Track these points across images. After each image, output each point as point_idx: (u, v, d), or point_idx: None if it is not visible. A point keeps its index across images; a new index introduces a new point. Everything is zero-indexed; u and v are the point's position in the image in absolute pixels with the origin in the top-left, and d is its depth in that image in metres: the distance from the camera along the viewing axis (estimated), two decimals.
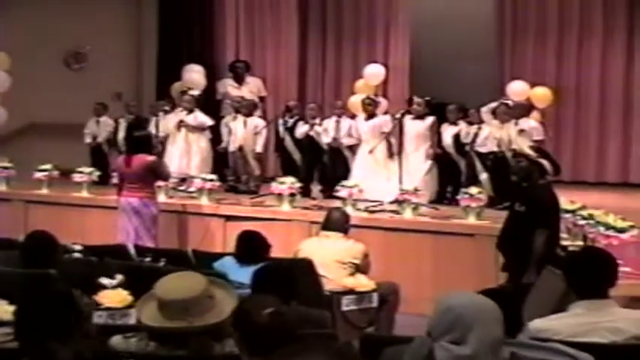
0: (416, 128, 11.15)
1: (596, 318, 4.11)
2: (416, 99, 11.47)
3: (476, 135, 10.97)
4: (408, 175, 10.45)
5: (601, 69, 14.26)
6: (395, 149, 11.06)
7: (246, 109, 12.15)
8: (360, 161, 11.38)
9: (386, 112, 12.40)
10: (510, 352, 3.19)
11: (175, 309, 3.89)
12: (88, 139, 13.11)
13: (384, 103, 12.74)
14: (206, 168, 11.88)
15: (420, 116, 11.22)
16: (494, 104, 11.26)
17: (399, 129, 11.09)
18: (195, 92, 12.88)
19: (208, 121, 12.37)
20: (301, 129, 11.90)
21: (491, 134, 10.81)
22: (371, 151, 10.98)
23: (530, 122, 11.11)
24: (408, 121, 11.17)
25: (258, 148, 12.02)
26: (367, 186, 10.23)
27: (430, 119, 11.23)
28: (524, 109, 11.10)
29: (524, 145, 9.19)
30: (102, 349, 3.48)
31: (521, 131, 10.53)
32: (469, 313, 3.14)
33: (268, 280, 4.78)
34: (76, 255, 6.77)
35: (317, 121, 11.88)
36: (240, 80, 13.69)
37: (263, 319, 3.39)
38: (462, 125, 11.22)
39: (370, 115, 11.50)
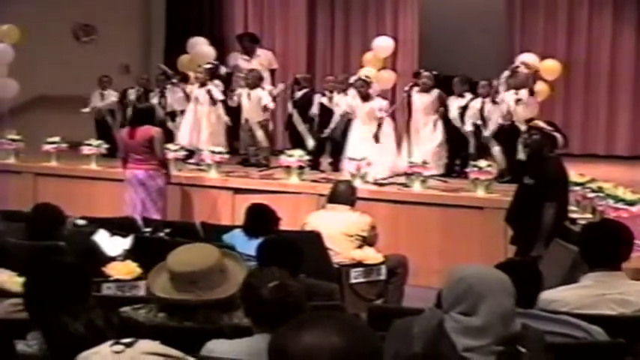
0: (422, 101, 11.05)
1: (604, 290, 4.11)
2: (424, 73, 11.38)
3: (482, 109, 10.83)
4: (418, 147, 10.40)
5: (611, 43, 14.18)
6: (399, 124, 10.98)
7: (251, 81, 11.93)
8: (355, 138, 10.77)
9: (394, 86, 12.24)
10: (522, 324, 3.19)
11: (185, 281, 3.89)
12: (87, 109, 13.04)
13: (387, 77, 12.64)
14: (216, 141, 11.66)
15: (425, 89, 11.11)
16: (507, 73, 11.02)
17: (407, 103, 11.05)
18: (210, 65, 12.56)
19: (219, 96, 12.12)
20: (315, 102, 11.75)
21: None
22: (376, 138, 10.65)
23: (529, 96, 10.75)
24: (415, 94, 11.08)
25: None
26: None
27: (435, 92, 11.11)
28: (524, 79, 10.78)
29: (523, 115, 9.13)
30: (112, 317, 3.48)
31: (519, 100, 10.41)
32: (480, 285, 3.14)
33: (273, 253, 4.79)
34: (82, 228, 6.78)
35: (334, 94, 11.68)
36: (250, 53, 13.48)
37: (267, 293, 3.39)
38: (468, 97, 11.08)
39: (365, 97, 10.81)
